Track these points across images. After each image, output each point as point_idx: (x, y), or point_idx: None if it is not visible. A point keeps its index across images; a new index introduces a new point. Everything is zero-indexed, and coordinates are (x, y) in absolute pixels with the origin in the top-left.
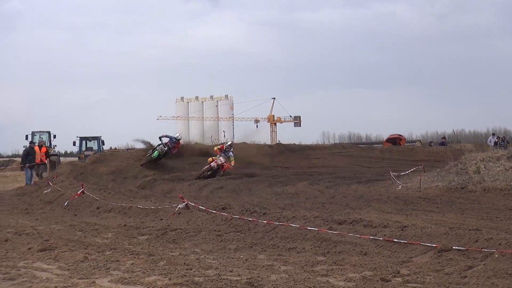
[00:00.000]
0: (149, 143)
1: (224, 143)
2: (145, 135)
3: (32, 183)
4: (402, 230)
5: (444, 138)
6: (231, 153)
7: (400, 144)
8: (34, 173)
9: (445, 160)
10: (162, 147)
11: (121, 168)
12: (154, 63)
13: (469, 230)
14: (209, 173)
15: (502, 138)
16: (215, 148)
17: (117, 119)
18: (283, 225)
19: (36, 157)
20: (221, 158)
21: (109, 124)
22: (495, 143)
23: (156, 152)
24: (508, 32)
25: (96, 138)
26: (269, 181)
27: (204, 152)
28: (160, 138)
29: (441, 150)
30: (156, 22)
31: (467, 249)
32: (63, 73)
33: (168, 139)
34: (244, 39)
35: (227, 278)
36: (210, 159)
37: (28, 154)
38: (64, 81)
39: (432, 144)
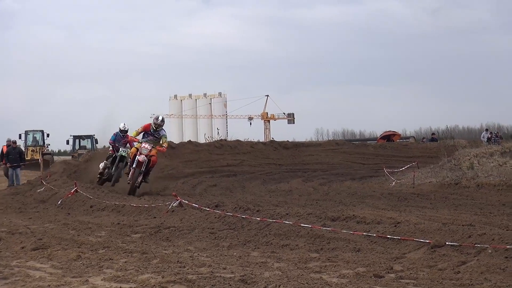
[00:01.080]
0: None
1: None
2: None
3: (16, 183)
4: (395, 226)
5: (434, 134)
6: (163, 131)
7: (393, 140)
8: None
9: (438, 156)
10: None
11: None
12: (148, 61)
13: (463, 225)
14: (130, 171)
15: (495, 134)
16: (133, 134)
17: (111, 117)
18: (276, 222)
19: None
20: (145, 145)
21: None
22: (489, 139)
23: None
24: (502, 27)
25: (90, 137)
26: (263, 178)
27: None
28: (113, 145)
29: (435, 146)
30: (150, 19)
31: (461, 245)
32: (58, 71)
33: (113, 137)
34: (238, 36)
35: (220, 276)
36: (133, 149)
37: (9, 153)
38: (59, 79)
39: (424, 140)
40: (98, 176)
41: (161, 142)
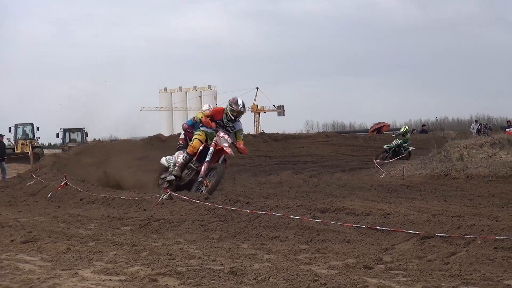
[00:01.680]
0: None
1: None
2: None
3: (2, 177)
4: (385, 217)
5: (424, 125)
6: (240, 124)
7: (382, 132)
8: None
9: (428, 147)
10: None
11: (104, 159)
12: (139, 54)
13: (452, 217)
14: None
15: (484, 125)
16: (198, 117)
17: (101, 110)
18: (266, 214)
19: None
20: (224, 136)
21: (93, 115)
22: (478, 130)
23: None
24: (491, 20)
25: (80, 130)
26: (253, 170)
27: None
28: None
29: (424, 138)
30: (140, 13)
31: (450, 236)
32: (47, 66)
33: (190, 121)
34: (227, 29)
35: (210, 268)
36: (196, 142)
37: None
38: (50, 73)
39: (414, 131)
40: (162, 178)
41: (239, 137)
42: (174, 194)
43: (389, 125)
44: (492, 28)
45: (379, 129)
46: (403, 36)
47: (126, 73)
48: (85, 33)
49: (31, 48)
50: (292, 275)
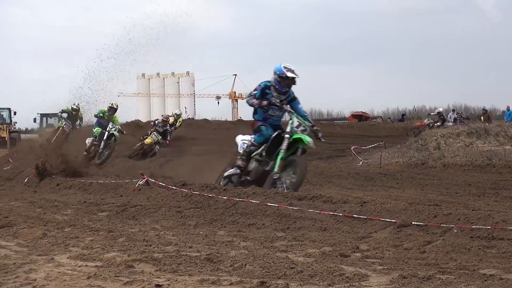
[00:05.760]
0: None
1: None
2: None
3: None
4: (361, 205)
5: (404, 114)
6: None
7: (366, 120)
8: None
9: (405, 136)
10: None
11: (83, 145)
12: (114, 39)
13: (428, 205)
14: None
15: (460, 114)
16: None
17: (78, 95)
18: (243, 201)
19: None
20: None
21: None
22: (455, 120)
23: None
24: (466, 7)
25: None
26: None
27: None
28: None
29: (402, 126)
30: None
31: (426, 225)
32: (22, 50)
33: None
34: (205, 15)
35: (186, 254)
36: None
37: None
38: (24, 57)
39: (390, 119)
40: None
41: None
42: (151, 180)
43: (370, 118)
44: (466, 14)
45: (361, 117)
46: (380, 24)
47: (103, 58)
48: (58, 17)
49: (4, 31)
50: (269, 263)
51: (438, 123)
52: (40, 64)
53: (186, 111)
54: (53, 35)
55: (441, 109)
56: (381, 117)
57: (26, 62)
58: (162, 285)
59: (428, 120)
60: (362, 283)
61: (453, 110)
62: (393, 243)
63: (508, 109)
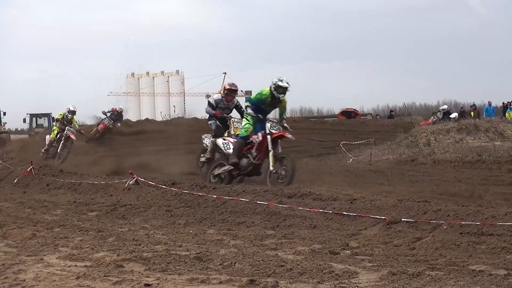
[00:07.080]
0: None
1: None
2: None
3: None
4: (351, 203)
5: (392, 110)
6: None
7: (355, 118)
8: None
9: (395, 133)
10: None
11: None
12: (105, 38)
13: (418, 202)
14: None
15: (462, 111)
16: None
17: (68, 95)
18: (232, 199)
19: None
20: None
21: (60, 100)
22: (459, 116)
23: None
24: (456, 5)
25: (47, 115)
26: None
27: None
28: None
29: (392, 123)
30: None
31: (416, 221)
32: (12, 49)
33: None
34: (191, 14)
35: (175, 253)
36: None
37: None
38: (14, 57)
39: (378, 117)
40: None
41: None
42: (141, 179)
43: (360, 115)
44: (456, 13)
45: (350, 114)
46: (370, 22)
47: (93, 58)
48: (48, 17)
49: None
50: (258, 261)
51: (443, 121)
52: (31, 65)
53: (175, 110)
54: (44, 35)
55: (445, 107)
56: (371, 114)
57: (17, 62)
58: (151, 284)
59: (434, 118)
60: (352, 280)
61: (462, 108)
62: (383, 240)
63: (489, 104)
